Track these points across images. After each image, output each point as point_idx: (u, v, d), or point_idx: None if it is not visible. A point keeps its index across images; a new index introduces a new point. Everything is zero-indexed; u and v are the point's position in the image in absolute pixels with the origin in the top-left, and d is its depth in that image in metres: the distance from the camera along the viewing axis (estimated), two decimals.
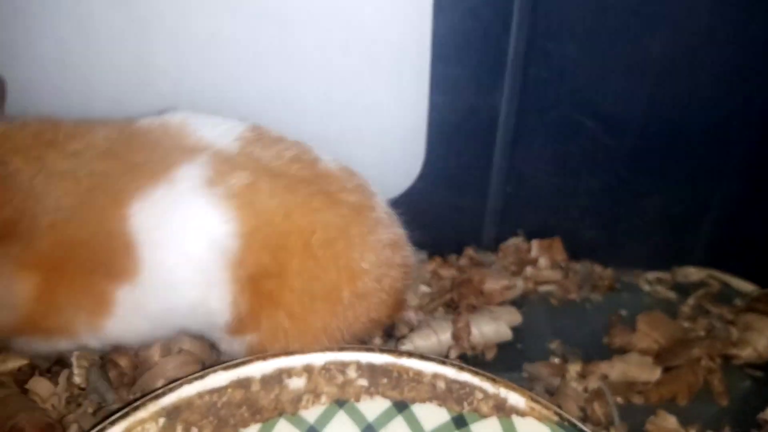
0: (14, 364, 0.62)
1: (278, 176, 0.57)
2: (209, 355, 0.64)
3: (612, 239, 0.88)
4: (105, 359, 0.63)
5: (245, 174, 0.55)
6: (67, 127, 0.56)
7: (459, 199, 0.85)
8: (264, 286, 0.56)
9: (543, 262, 0.85)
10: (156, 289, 0.55)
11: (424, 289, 0.81)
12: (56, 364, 0.63)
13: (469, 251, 0.87)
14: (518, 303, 0.80)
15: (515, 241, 0.88)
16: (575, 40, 0.73)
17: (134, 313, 0.56)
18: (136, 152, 0.56)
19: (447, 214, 0.86)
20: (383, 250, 0.60)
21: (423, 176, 0.81)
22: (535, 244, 0.87)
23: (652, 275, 0.87)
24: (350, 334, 0.59)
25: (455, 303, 0.78)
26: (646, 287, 0.86)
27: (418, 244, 0.84)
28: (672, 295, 0.84)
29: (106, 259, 0.54)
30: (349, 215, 0.58)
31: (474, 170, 0.83)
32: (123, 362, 0.62)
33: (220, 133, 0.59)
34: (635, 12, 0.72)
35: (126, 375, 0.62)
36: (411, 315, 0.74)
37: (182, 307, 0.57)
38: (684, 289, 0.85)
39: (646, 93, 0.77)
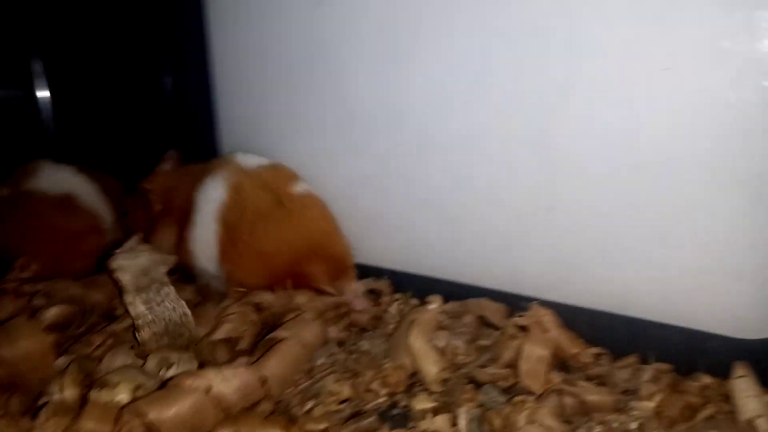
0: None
1: (256, 181, 1.05)
2: None
3: None
4: (483, 414, 0.77)
5: (240, 176, 1.06)
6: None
7: None
8: (225, 240, 1.02)
9: None
10: (202, 228, 1.04)
11: None
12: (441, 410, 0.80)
13: None
14: None
15: None
16: None
17: (196, 244, 1.05)
18: (210, 166, 1.10)
19: None
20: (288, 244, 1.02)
21: None
22: None
23: None
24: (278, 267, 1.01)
25: None
26: None
27: None
28: None
29: (190, 213, 1.06)
30: (272, 201, 1.03)
31: None
32: (497, 421, 0.76)
33: (250, 162, 1.09)
34: None
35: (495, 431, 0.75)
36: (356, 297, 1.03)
37: (207, 245, 1.03)
38: None
39: None
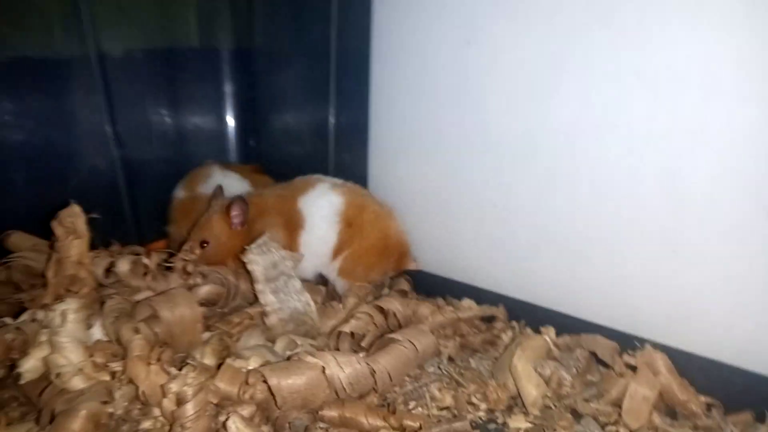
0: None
1: (352, 192, 1.24)
2: None
3: None
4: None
5: (339, 186, 1.23)
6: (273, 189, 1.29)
7: None
8: (348, 232, 1.19)
9: None
10: (312, 233, 1.19)
11: None
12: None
13: None
14: None
15: None
16: None
17: (306, 249, 1.19)
18: (298, 184, 1.26)
19: None
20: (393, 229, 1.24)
21: None
22: None
23: None
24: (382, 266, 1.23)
25: None
26: None
27: None
28: None
29: (296, 221, 1.19)
30: (381, 212, 1.23)
31: None
32: None
33: (331, 181, 1.26)
34: None
35: None
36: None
37: (322, 242, 1.19)
38: None
39: None
